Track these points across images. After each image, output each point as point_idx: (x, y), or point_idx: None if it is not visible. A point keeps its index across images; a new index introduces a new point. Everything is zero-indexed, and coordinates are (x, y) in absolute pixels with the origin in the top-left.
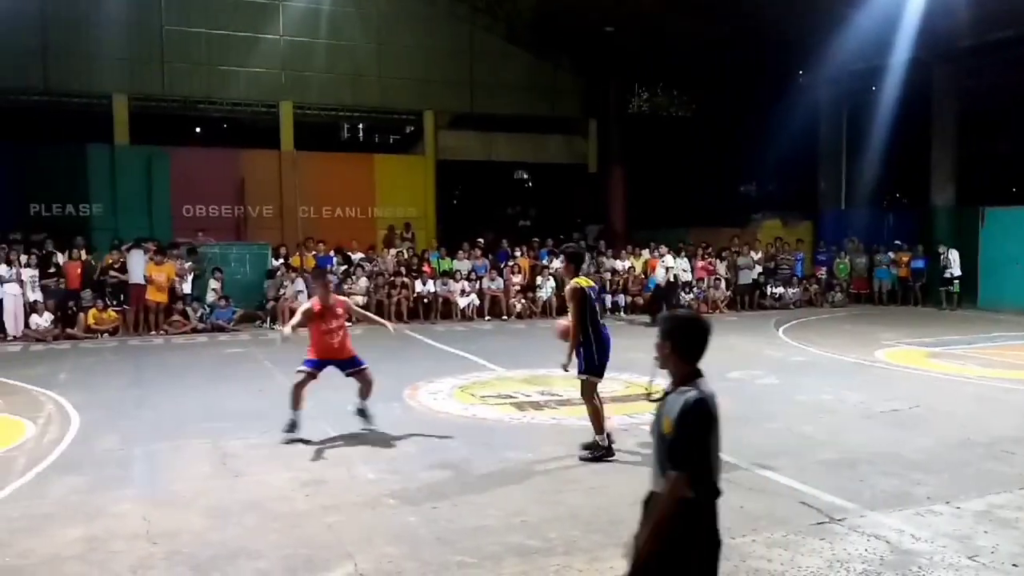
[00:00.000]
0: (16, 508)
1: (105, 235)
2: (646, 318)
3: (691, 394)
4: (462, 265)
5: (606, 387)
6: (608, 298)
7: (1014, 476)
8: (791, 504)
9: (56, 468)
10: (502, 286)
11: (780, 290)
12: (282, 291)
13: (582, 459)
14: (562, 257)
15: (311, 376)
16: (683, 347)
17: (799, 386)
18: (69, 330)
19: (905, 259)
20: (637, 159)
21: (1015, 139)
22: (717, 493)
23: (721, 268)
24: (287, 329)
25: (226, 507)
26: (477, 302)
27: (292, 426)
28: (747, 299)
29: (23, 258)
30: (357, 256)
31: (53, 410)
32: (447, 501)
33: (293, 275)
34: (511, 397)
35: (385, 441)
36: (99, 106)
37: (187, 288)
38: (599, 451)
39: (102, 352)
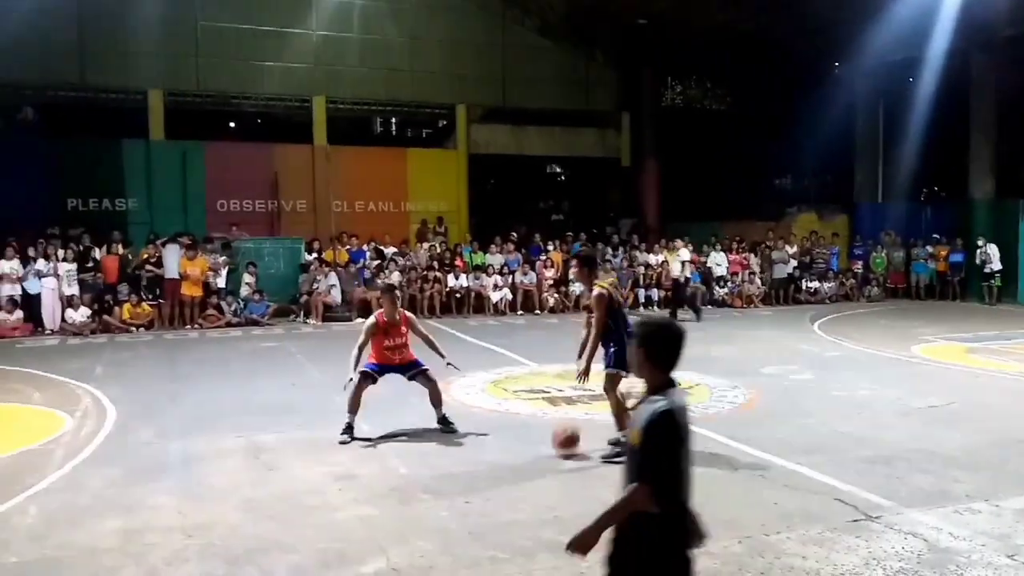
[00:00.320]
0: (54, 500)
1: (141, 229)
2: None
3: (659, 404)
4: (495, 259)
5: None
6: (641, 292)
7: None
8: (826, 501)
9: (93, 461)
10: (535, 280)
11: (815, 284)
12: (315, 285)
13: (603, 458)
14: (574, 262)
15: (371, 379)
16: (656, 355)
17: (835, 381)
18: (107, 318)
19: (943, 253)
20: (670, 152)
21: None
22: (684, 509)
23: (755, 262)
24: (356, 376)
25: (260, 501)
26: (510, 296)
27: (348, 429)
28: (782, 293)
29: (60, 252)
30: (390, 250)
31: (90, 404)
32: (479, 496)
33: (326, 269)
34: (544, 392)
35: (418, 436)
36: (135, 101)
37: (221, 283)
38: (621, 447)
39: (137, 346)
